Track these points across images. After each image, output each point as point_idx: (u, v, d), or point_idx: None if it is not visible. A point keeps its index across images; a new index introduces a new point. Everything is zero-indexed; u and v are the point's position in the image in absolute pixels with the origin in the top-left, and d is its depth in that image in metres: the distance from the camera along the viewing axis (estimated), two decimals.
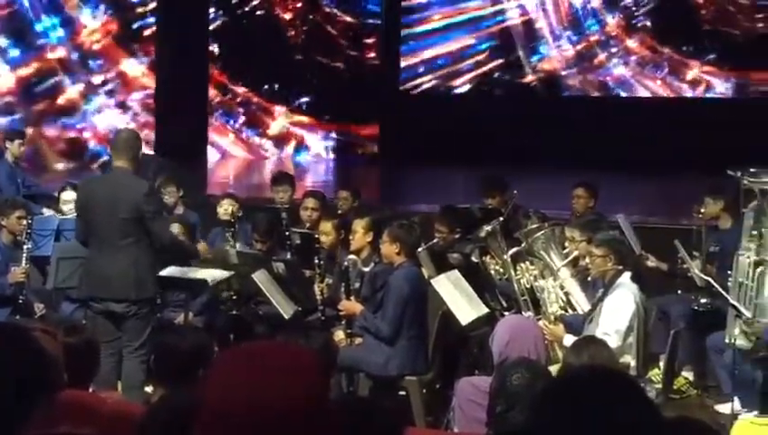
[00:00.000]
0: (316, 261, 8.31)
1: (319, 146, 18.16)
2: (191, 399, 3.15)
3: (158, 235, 7.22)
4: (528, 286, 7.88)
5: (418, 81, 17.62)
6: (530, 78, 17.04)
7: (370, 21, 18.00)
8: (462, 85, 17.40)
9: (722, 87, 16.14)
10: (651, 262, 8.98)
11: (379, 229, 8.03)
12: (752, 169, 7.25)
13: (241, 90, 17.97)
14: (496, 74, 17.24)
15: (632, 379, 2.62)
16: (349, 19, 17.92)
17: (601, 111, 16.33)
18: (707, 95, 16.26)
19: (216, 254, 8.80)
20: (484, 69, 17.25)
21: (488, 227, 8.49)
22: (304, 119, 18.10)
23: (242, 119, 18.09)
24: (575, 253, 7.77)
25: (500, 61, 17.18)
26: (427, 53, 17.55)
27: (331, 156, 18.07)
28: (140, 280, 7.12)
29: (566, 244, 8.02)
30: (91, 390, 4.90)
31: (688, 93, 16.36)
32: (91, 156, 16.66)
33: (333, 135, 18.05)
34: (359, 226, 8.25)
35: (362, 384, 7.58)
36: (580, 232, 7.91)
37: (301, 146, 18.14)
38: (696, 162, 12.69)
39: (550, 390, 2.30)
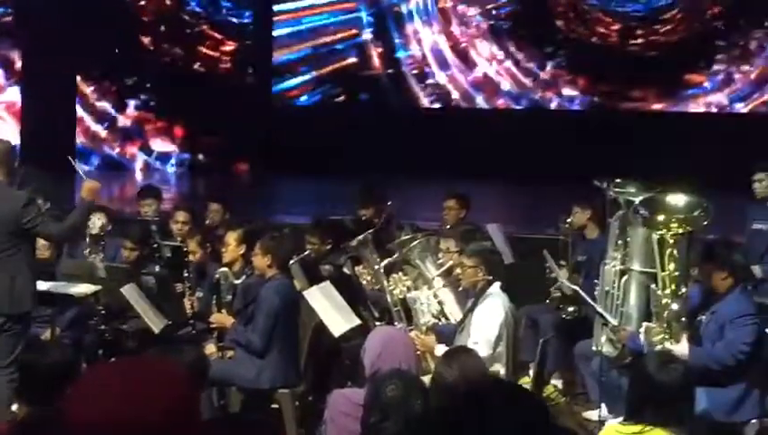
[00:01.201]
0: (186, 274, 8.22)
1: (181, 155, 17.93)
2: (55, 416, 3.08)
3: (49, 236, 7.17)
4: (401, 297, 7.91)
5: (289, 91, 17.58)
6: (401, 86, 17.16)
7: (241, 30, 17.88)
8: (333, 95, 17.42)
9: (578, 98, 16.45)
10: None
11: (251, 241, 7.97)
12: (617, 180, 7.41)
13: (90, 88, 17.60)
14: (366, 84, 17.31)
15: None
16: (215, 33, 17.74)
17: (468, 121, 16.53)
18: (572, 107, 16.59)
19: (83, 268, 8.62)
20: (354, 79, 17.31)
21: (360, 237, 8.51)
22: (162, 124, 17.82)
23: (90, 117, 17.70)
24: (450, 263, 7.83)
25: (368, 70, 17.27)
26: (298, 64, 17.54)
27: (188, 168, 17.84)
28: (17, 294, 6.94)
29: (440, 254, 8.08)
30: None
31: (548, 101, 16.64)
32: None
33: (199, 145, 17.82)
34: (231, 238, 8.19)
35: (234, 398, 7.51)
36: (455, 243, 7.98)
37: (163, 154, 17.88)
38: (562, 173, 12.93)
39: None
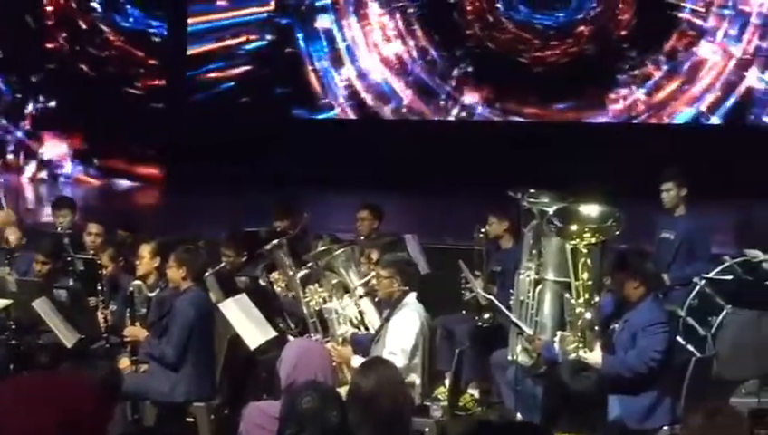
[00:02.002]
0: (99, 287, 8.12)
1: (86, 166, 17.65)
2: None
3: None
4: (317, 308, 7.90)
5: (203, 102, 17.42)
6: (313, 92, 17.12)
7: (153, 39, 17.70)
8: (247, 108, 17.28)
9: (484, 107, 16.54)
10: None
11: (165, 254, 7.91)
12: (531, 190, 7.47)
13: None
14: (282, 96, 17.22)
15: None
16: (124, 40, 17.51)
17: (385, 133, 16.55)
18: (482, 117, 16.64)
19: None
20: (270, 91, 17.22)
21: (275, 241, 8.49)
22: (66, 131, 17.52)
23: None
24: (373, 272, 7.82)
25: (285, 81, 17.20)
26: (213, 74, 17.41)
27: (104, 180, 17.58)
28: None
29: (360, 264, 8.09)
30: None
31: (456, 110, 16.68)
32: None
33: (109, 155, 17.53)
34: (145, 250, 8.13)
35: (148, 412, 7.43)
36: (378, 253, 8.00)
37: (62, 160, 17.57)
38: (477, 183, 13.01)
39: None
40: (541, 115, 16.30)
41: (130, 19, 17.60)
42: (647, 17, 15.80)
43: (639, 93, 15.96)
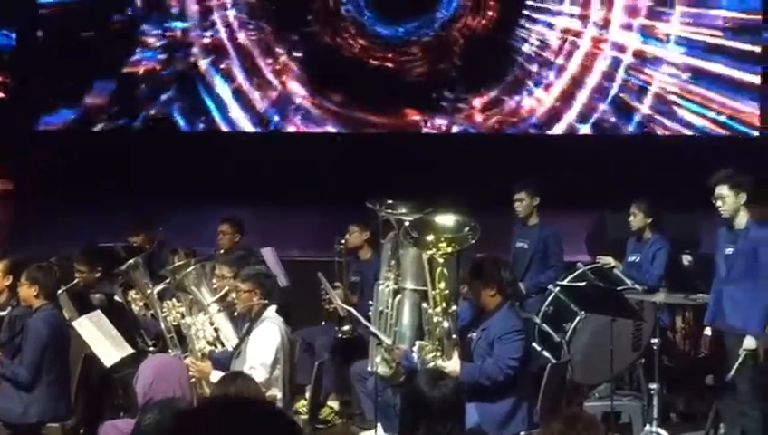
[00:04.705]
0: None
1: None
2: None
3: None
4: (175, 324, 7.80)
5: (56, 113, 16.99)
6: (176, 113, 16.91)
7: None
8: (104, 119, 16.95)
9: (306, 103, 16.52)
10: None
11: (17, 272, 7.72)
12: (389, 201, 7.53)
13: None
14: (145, 108, 16.94)
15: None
16: None
17: (247, 145, 16.45)
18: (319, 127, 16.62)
19: None
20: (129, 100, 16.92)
21: (130, 261, 8.35)
22: None
23: None
24: (225, 289, 7.75)
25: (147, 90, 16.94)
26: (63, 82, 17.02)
27: None
28: None
29: (214, 280, 8.01)
30: None
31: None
32: None
33: None
34: None
35: (1, 434, 7.23)
36: (228, 268, 7.93)
37: None
38: (338, 195, 13.04)
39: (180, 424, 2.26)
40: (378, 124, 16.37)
41: None
42: (481, 54, 16.03)
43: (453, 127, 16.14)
